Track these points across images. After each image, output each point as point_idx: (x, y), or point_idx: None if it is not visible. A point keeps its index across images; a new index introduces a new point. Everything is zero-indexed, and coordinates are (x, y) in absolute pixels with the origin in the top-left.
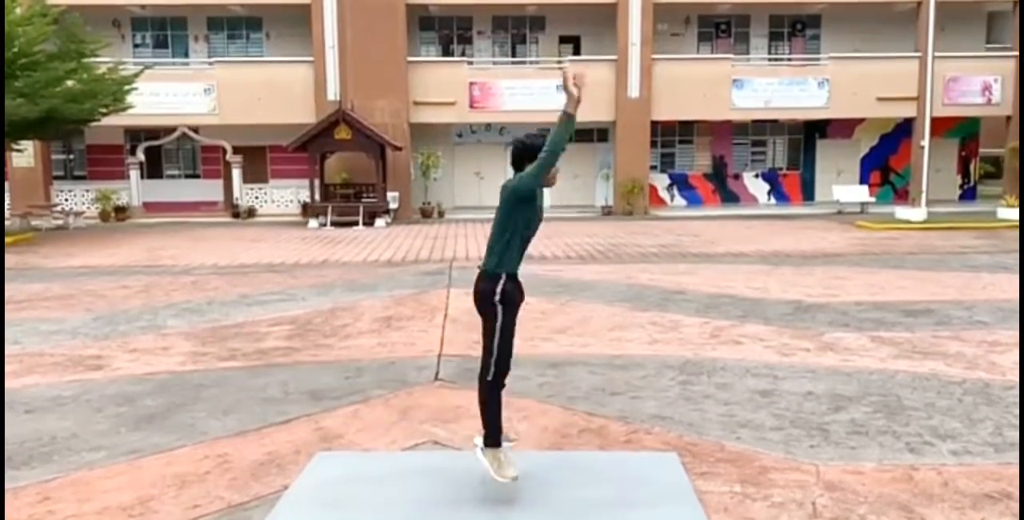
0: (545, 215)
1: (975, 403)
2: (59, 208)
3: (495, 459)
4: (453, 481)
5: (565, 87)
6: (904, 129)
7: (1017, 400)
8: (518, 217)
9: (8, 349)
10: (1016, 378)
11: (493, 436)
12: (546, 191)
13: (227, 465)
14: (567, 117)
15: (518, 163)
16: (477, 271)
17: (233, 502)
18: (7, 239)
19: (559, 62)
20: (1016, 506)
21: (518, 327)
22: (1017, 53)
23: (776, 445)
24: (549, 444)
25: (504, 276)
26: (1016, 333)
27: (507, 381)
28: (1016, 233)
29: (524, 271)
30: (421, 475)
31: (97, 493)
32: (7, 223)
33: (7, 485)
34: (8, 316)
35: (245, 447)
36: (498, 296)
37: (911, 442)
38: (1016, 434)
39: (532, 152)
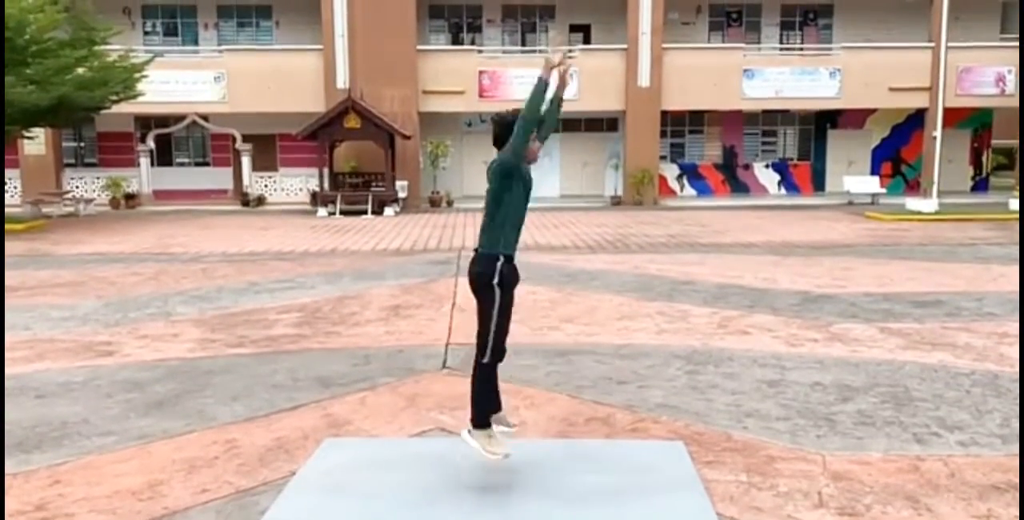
0: (554, 205)
1: (983, 394)
2: (70, 195)
3: (484, 436)
4: (459, 468)
5: (546, 60)
6: (916, 120)
7: (1019, 392)
8: (508, 196)
9: (19, 335)
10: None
11: (481, 417)
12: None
13: (236, 450)
14: (539, 82)
15: (500, 141)
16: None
17: (241, 487)
18: (18, 226)
19: (569, 51)
20: None
21: (526, 315)
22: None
23: (783, 435)
24: (556, 432)
25: (501, 257)
26: None
27: (517, 371)
28: None
29: (533, 261)
30: (428, 461)
31: (107, 477)
32: (18, 210)
33: (18, 468)
34: (19, 302)
35: (253, 433)
36: (496, 278)
37: (918, 433)
38: None
39: (512, 128)
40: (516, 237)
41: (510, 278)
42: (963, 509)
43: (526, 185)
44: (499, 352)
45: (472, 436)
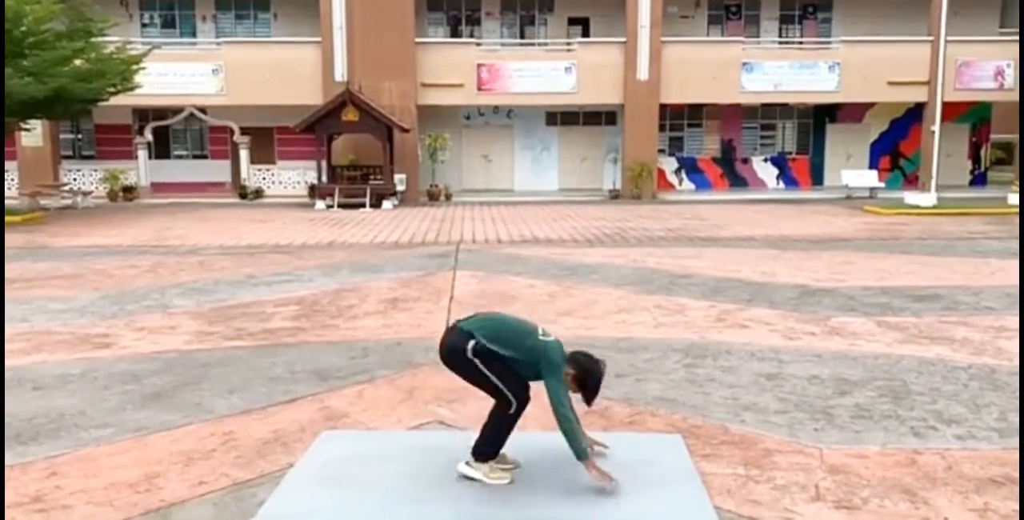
0: (552, 199)
1: (981, 388)
2: (67, 187)
3: (486, 467)
4: (457, 460)
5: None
6: (915, 114)
7: (1019, 385)
8: (520, 365)
9: (17, 327)
10: (1019, 363)
11: (486, 454)
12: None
13: (233, 443)
14: (576, 445)
15: (578, 380)
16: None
17: (239, 479)
18: (15, 218)
19: (568, 44)
20: (1019, 490)
21: (524, 309)
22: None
23: (780, 428)
24: (553, 426)
25: (476, 339)
26: None
27: None
28: None
29: (531, 255)
30: (425, 454)
31: (104, 469)
32: (16, 202)
33: (15, 460)
34: (17, 294)
35: (251, 425)
36: (470, 352)
37: (916, 426)
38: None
39: (587, 377)
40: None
41: (486, 349)
42: (960, 502)
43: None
44: (522, 400)
45: (472, 466)
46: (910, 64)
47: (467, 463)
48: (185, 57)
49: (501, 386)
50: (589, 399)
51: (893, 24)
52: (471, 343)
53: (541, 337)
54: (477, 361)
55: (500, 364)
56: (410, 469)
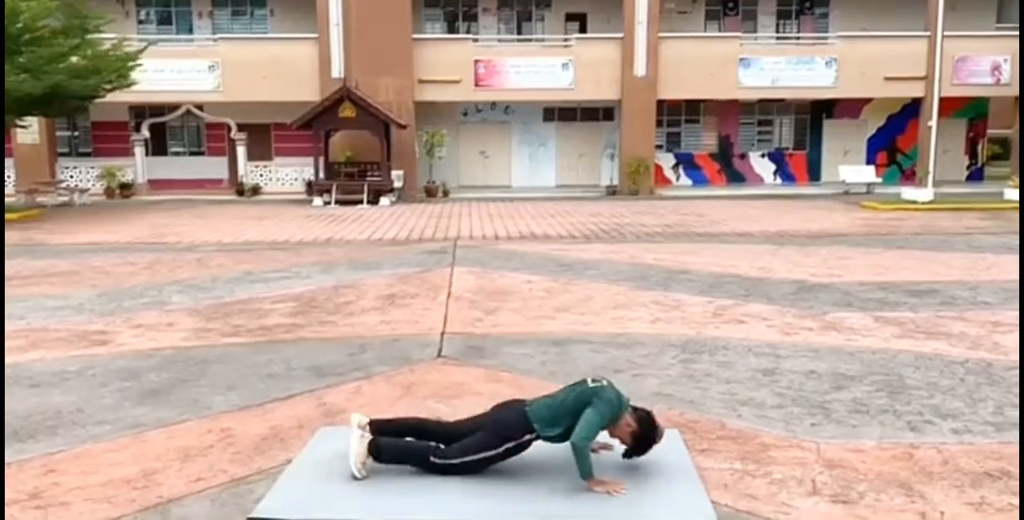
0: (550, 195)
1: (977, 383)
2: (64, 185)
3: (361, 456)
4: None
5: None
6: (912, 109)
7: (1019, 380)
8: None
9: (13, 324)
10: (1018, 358)
11: (380, 453)
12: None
13: (230, 439)
14: (583, 467)
15: (639, 443)
16: (516, 402)
17: (236, 475)
18: (12, 216)
19: (565, 40)
20: (1015, 484)
21: (521, 305)
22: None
23: (777, 423)
24: None
25: (534, 430)
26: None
27: (512, 360)
28: None
29: (528, 250)
30: None
31: (102, 466)
32: (12, 199)
33: (13, 458)
34: (13, 292)
35: (248, 422)
36: (513, 443)
37: (912, 421)
38: (1017, 413)
39: (642, 436)
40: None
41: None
42: (956, 496)
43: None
44: (442, 469)
45: (359, 444)
46: (907, 59)
47: (363, 436)
48: (182, 54)
49: (463, 459)
50: (633, 455)
51: (890, 19)
52: (523, 434)
53: (591, 384)
54: (507, 446)
55: (507, 452)
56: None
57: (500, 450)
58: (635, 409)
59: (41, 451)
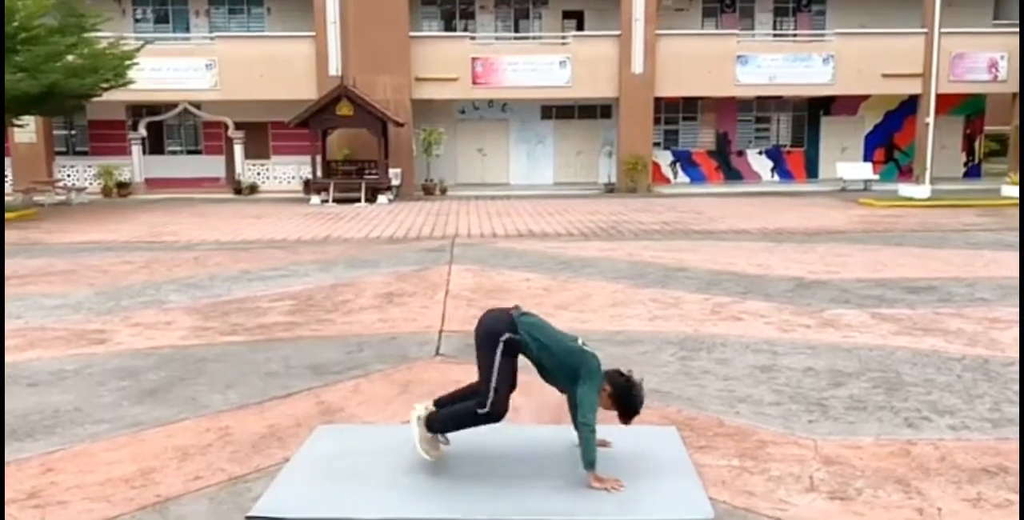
0: (548, 193)
1: (974, 379)
2: (61, 184)
3: (424, 436)
4: (453, 454)
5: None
6: (909, 106)
7: (1016, 376)
8: (553, 368)
9: (11, 323)
10: (1016, 354)
11: (438, 429)
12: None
13: (228, 438)
14: (588, 456)
15: (619, 405)
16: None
17: (234, 474)
18: (10, 215)
19: (562, 38)
20: (1012, 480)
21: (519, 302)
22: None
23: (775, 420)
24: (549, 418)
25: (519, 332)
26: (1016, 310)
27: None
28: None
29: (527, 248)
30: None
31: (100, 465)
32: (9, 199)
33: (11, 457)
34: (11, 291)
35: (246, 420)
36: (504, 336)
37: (909, 417)
38: (1014, 410)
39: (620, 395)
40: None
41: (514, 348)
42: (953, 493)
43: (567, 383)
44: (498, 410)
45: (419, 424)
46: (904, 56)
47: (418, 418)
48: (179, 52)
49: (493, 385)
50: (627, 418)
51: (887, 16)
52: (508, 335)
53: (584, 345)
54: (499, 350)
55: (514, 362)
56: (405, 463)
57: (501, 353)
58: (608, 375)
59: (39, 450)
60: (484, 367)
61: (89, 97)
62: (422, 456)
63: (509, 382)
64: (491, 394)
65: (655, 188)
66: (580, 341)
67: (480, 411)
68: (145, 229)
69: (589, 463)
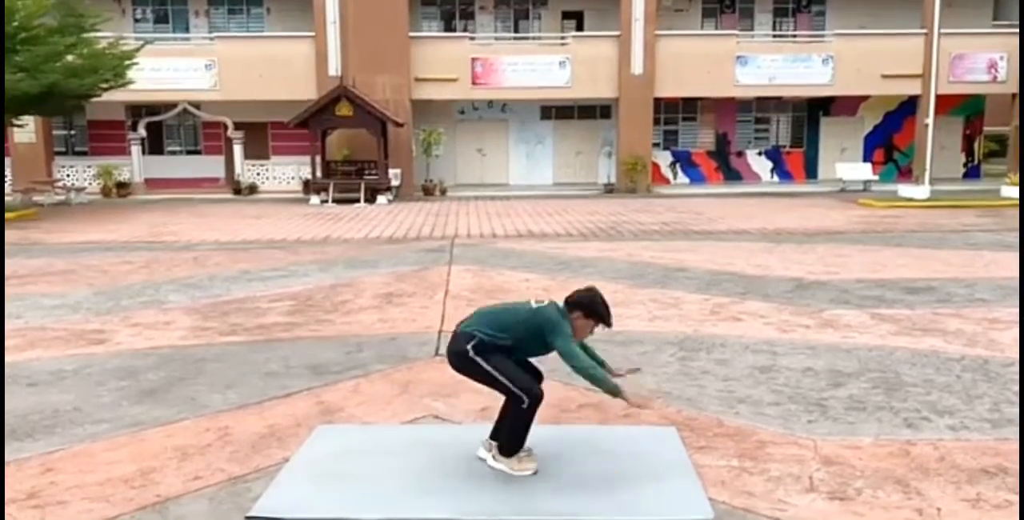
0: (547, 193)
1: (973, 379)
2: (61, 184)
3: (513, 460)
4: (452, 454)
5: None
6: (908, 107)
7: (1016, 376)
8: (532, 343)
9: (10, 323)
10: (1015, 355)
11: (512, 450)
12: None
13: (228, 438)
14: (609, 384)
15: (570, 306)
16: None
17: (234, 474)
18: (9, 215)
19: (562, 38)
20: (1012, 481)
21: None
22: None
23: (774, 420)
24: (549, 418)
25: (477, 335)
26: (1016, 310)
27: None
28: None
29: (526, 249)
30: (420, 448)
31: (99, 465)
32: (9, 199)
33: (10, 457)
34: (10, 291)
35: (246, 420)
36: (471, 352)
37: (909, 418)
38: (1013, 410)
39: (587, 308)
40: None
41: (487, 345)
42: (953, 493)
43: (548, 347)
44: (534, 396)
45: (498, 461)
46: (904, 57)
47: (493, 457)
48: (178, 52)
49: (509, 384)
50: (607, 322)
51: (887, 17)
52: (471, 343)
53: (534, 305)
54: (479, 360)
55: (503, 357)
56: (405, 463)
57: (483, 361)
58: (566, 303)
59: (39, 450)
60: (488, 382)
61: (89, 97)
62: (525, 474)
63: (518, 372)
64: (516, 390)
65: (655, 188)
66: (532, 302)
67: (523, 407)
68: (144, 229)
69: (611, 391)
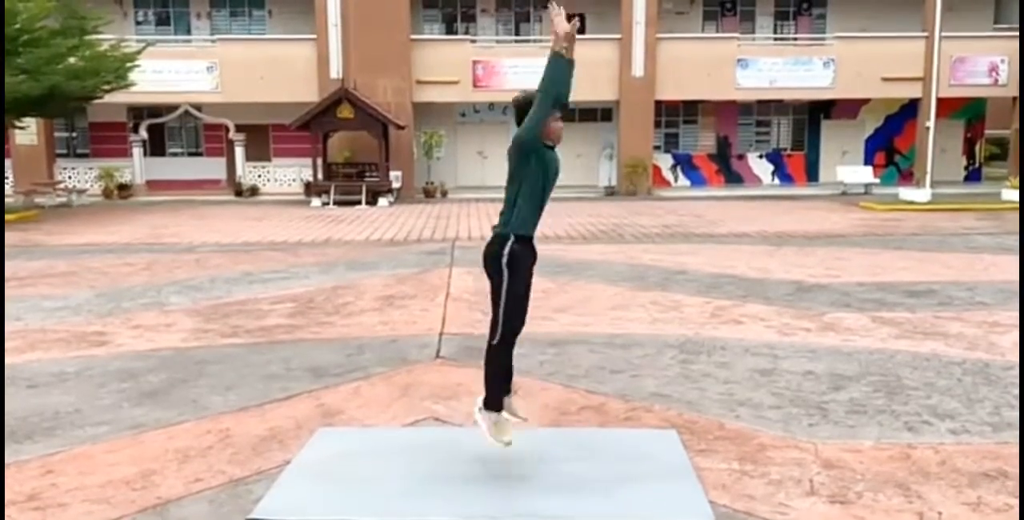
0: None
1: (974, 383)
2: (62, 185)
3: (491, 422)
4: (453, 457)
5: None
6: (909, 110)
7: (1016, 380)
8: (526, 173)
9: (11, 325)
10: (1015, 358)
11: (491, 400)
12: None
13: (229, 440)
14: (553, 55)
15: (521, 120)
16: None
17: (235, 476)
18: (10, 216)
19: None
20: (1012, 485)
21: None
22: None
23: (775, 423)
24: (549, 421)
25: (512, 237)
26: (1016, 314)
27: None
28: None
29: None
30: (421, 451)
31: (100, 467)
32: (10, 200)
33: (11, 459)
34: (11, 293)
35: (247, 422)
36: (505, 259)
37: (910, 421)
38: (1014, 414)
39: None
40: (533, 219)
41: (521, 259)
42: (954, 497)
43: (546, 167)
44: (509, 335)
45: (482, 415)
46: (905, 60)
47: (479, 409)
48: (180, 54)
49: (501, 307)
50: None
51: (887, 20)
52: (506, 248)
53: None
54: (507, 273)
55: (521, 280)
56: (405, 465)
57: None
58: (515, 102)
59: (39, 452)
60: (494, 297)
61: (90, 99)
62: (498, 445)
63: (518, 309)
64: (499, 318)
65: (655, 191)
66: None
67: (492, 343)
68: (146, 231)
69: (557, 53)
